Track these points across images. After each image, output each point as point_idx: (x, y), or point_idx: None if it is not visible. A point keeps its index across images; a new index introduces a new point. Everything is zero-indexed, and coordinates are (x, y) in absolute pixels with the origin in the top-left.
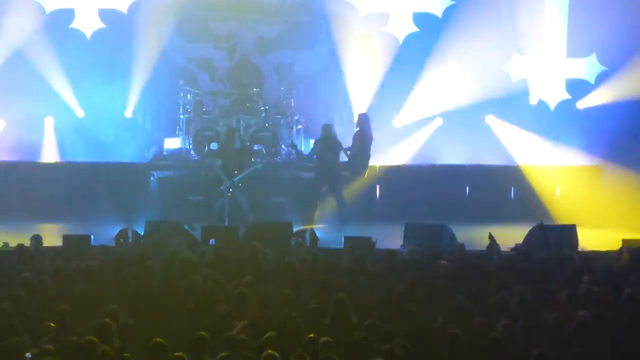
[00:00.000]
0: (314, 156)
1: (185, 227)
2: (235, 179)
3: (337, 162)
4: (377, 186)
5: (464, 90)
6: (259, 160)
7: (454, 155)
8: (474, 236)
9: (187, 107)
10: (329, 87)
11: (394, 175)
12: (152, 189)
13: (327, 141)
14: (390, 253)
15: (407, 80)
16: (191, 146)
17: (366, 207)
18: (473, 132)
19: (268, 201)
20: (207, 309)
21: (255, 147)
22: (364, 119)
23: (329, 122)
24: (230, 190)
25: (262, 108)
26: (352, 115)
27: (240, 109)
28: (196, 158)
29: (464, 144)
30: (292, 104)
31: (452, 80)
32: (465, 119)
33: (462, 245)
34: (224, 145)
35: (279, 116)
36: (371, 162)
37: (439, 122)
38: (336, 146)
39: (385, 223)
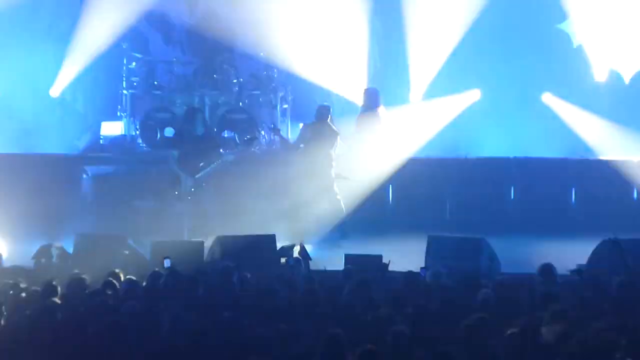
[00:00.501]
0: (301, 145)
1: (130, 242)
2: (198, 176)
3: (331, 157)
4: (390, 187)
5: (509, 56)
6: (229, 151)
7: (494, 144)
8: (521, 254)
9: (133, 79)
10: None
11: (411, 172)
12: (84, 190)
13: (321, 127)
14: (408, 278)
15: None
16: (138, 132)
17: (375, 215)
18: (521, 114)
19: (242, 207)
20: None
21: (225, 134)
22: (371, 95)
23: (326, 104)
24: (192, 191)
25: (235, 81)
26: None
27: (205, 82)
28: (145, 149)
29: (507, 130)
30: (276, 76)
31: (492, 41)
32: (510, 96)
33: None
34: (182, 131)
35: (257, 92)
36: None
37: (475, 95)
38: (332, 135)
39: (401, 236)
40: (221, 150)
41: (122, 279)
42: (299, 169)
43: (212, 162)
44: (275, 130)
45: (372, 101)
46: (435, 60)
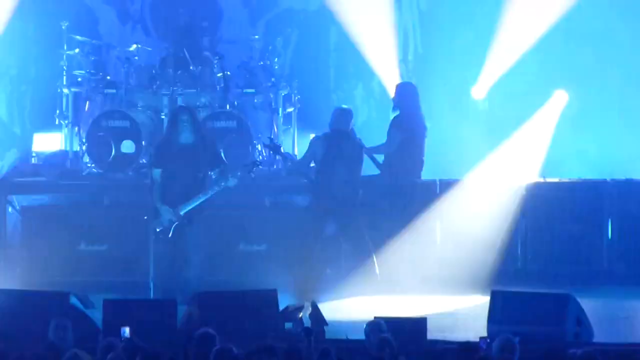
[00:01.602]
0: (312, 164)
1: (73, 300)
2: (186, 208)
3: (354, 182)
4: (438, 222)
5: (604, 52)
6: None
7: (583, 162)
8: (621, 317)
9: (76, 73)
10: (344, 36)
11: (462, 200)
12: (9, 228)
13: (339, 140)
14: (463, 352)
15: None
16: (84, 148)
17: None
18: (619, 123)
19: (232, 251)
20: None
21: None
22: (406, 93)
23: (346, 107)
24: (174, 230)
25: (220, 74)
26: (385, 87)
27: (178, 76)
28: (94, 171)
29: (601, 143)
30: (277, 67)
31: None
32: (605, 100)
33: None
34: (166, 140)
35: (251, 90)
36: (426, 175)
37: (562, 97)
38: (355, 151)
39: (449, 289)
40: (222, 168)
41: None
42: (310, 199)
43: (210, 186)
44: (273, 146)
45: (406, 100)
46: (509, 49)
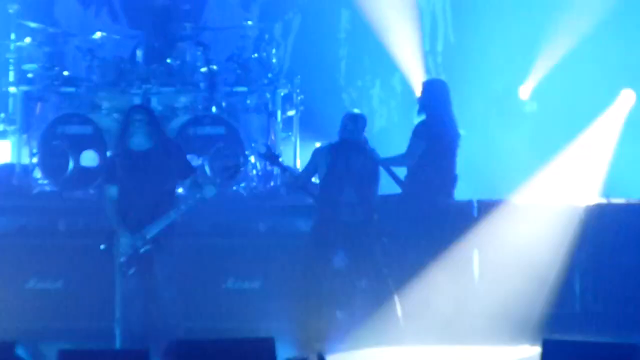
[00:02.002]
0: (310, 177)
1: (20, 351)
2: (153, 231)
3: (368, 201)
4: (476, 251)
5: None
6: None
7: None
8: None
9: (27, 68)
10: (358, 21)
11: (506, 226)
12: None
13: (347, 152)
14: None
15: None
16: (36, 161)
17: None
18: None
19: (218, 289)
20: None
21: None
22: (435, 92)
23: (357, 112)
24: (141, 260)
25: (204, 69)
26: (409, 85)
27: (152, 69)
28: (47, 188)
29: None
30: (274, 60)
31: None
32: None
33: None
34: (119, 148)
35: (243, 88)
36: (462, 193)
37: (629, 99)
38: (367, 163)
39: (487, 338)
40: (195, 180)
41: None
42: (315, 223)
43: (175, 206)
44: (270, 156)
45: (433, 100)
46: (565, 36)
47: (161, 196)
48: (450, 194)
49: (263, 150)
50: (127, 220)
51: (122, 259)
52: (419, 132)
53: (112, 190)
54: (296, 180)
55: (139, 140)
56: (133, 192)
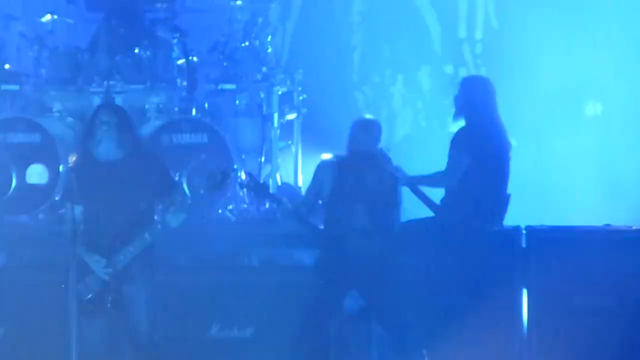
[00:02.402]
0: (316, 200)
1: None
2: (123, 260)
3: (386, 227)
4: (525, 292)
5: None
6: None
7: None
8: None
9: None
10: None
11: (563, 259)
12: None
13: (358, 166)
14: None
15: None
16: None
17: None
18: None
19: (201, 337)
20: None
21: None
22: (475, 92)
23: (370, 117)
24: (108, 295)
25: (181, 61)
26: (440, 82)
27: (116, 62)
28: None
29: None
30: (270, 50)
31: None
32: None
33: None
34: (82, 158)
35: (230, 85)
36: (507, 217)
37: None
38: (384, 180)
39: None
40: (174, 193)
41: None
42: (319, 255)
43: (152, 222)
44: (254, 187)
45: (477, 104)
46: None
47: (135, 217)
48: (498, 219)
49: (246, 180)
50: (95, 246)
51: (88, 297)
52: (460, 143)
53: (76, 211)
54: (297, 211)
55: (107, 148)
56: (100, 213)
